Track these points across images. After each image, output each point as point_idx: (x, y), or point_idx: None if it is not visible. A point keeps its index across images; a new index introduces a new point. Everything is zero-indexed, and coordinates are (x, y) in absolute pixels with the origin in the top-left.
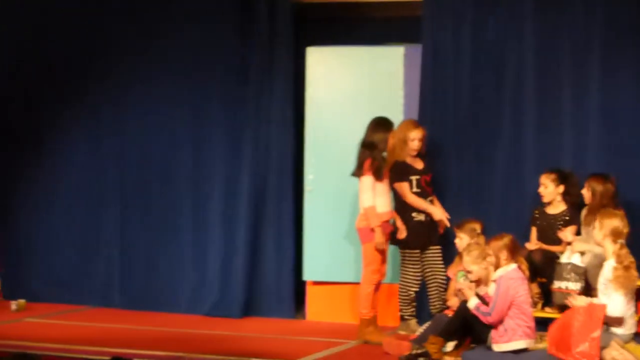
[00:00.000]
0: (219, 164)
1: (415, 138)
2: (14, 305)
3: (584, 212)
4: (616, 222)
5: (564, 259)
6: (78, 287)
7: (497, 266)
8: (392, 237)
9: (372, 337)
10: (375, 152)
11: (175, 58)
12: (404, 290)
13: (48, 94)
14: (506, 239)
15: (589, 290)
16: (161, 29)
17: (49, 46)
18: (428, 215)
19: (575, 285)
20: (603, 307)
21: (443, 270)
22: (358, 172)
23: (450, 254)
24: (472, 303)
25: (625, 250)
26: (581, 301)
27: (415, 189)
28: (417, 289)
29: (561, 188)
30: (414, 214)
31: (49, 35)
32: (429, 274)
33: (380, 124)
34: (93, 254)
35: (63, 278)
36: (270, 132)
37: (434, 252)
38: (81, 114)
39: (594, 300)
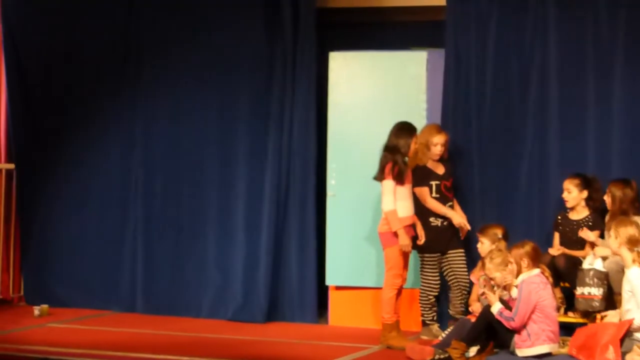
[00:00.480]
0: (242, 169)
1: (438, 143)
2: (36, 310)
3: (607, 217)
4: (631, 230)
5: (586, 264)
6: (101, 292)
7: (518, 273)
8: (412, 242)
9: (395, 342)
10: (397, 156)
11: (200, 63)
12: (424, 295)
13: (77, 97)
14: (527, 247)
15: (611, 295)
16: (187, 33)
17: (77, 50)
18: (447, 219)
19: (598, 291)
20: (631, 321)
21: (465, 273)
22: (380, 176)
23: (473, 259)
24: (496, 308)
25: None
26: (613, 317)
27: (435, 194)
28: (437, 294)
29: (585, 193)
30: (431, 219)
31: (79, 39)
32: (452, 277)
33: (403, 129)
34: (117, 259)
35: (86, 283)
36: (293, 137)
37: (455, 256)
38: (110, 119)
39: (623, 313)
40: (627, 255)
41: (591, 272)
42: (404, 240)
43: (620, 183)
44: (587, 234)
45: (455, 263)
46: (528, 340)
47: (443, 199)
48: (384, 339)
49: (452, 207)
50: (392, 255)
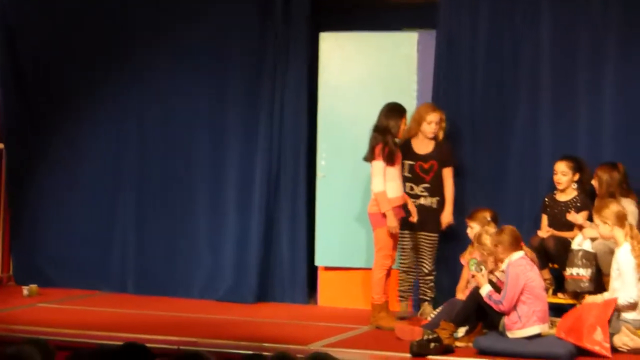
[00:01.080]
0: (234, 150)
1: (432, 121)
2: (25, 290)
3: (595, 201)
4: (614, 207)
5: (574, 245)
6: (91, 272)
7: (499, 261)
8: (403, 223)
9: (384, 322)
10: (387, 137)
11: (192, 46)
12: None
13: (68, 80)
14: (503, 234)
15: (600, 275)
16: (180, 15)
17: (69, 33)
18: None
19: (586, 272)
20: (615, 300)
21: (429, 259)
22: (369, 157)
23: (462, 243)
24: (485, 291)
25: (635, 231)
26: (597, 298)
27: (406, 173)
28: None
29: (577, 176)
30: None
31: (70, 22)
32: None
33: (394, 110)
34: (107, 239)
35: (76, 263)
36: (284, 118)
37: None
38: (101, 100)
39: (606, 295)
40: (620, 233)
41: (580, 253)
42: (392, 222)
43: (608, 166)
44: (574, 217)
45: (422, 248)
46: (519, 322)
47: (415, 180)
48: (374, 320)
49: (428, 189)
50: (381, 236)
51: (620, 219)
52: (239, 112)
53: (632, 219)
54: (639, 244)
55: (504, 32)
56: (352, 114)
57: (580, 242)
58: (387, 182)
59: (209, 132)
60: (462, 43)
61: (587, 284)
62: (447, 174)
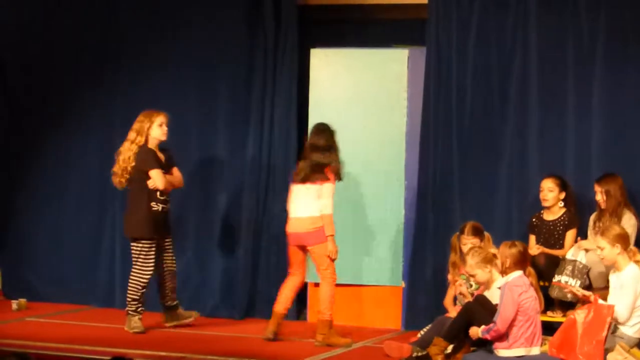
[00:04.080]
0: (222, 166)
1: (163, 123)
2: (14, 304)
3: (592, 217)
4: (617, 229)
5: (569, 255)
6: (80, 287)
7: (503, 272)
8: None
9: (334, 339)
10: (333, 156)
11: (181, 59)
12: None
13: (55, 90)
14: (515, 249)
15: (589, 289)
16: (168, 29)
17: (57, 41)
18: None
19: (575, 283)
20: (611, 307)
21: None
22: (317, 177)
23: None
24: (479, 331)
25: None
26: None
27: None
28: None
29: (563, 194)
30: (152, 204)
31: (60, 28)
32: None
33: (328, 129)
34: (95, 253)
35: (65, 278)
36: (274, 134)
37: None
38: (88, 109)
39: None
40: (623, 258)
41: (573, 263)
42: (333, 247)
43: (609, 178)
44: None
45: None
46: (506, 342)
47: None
48: (325, 337)
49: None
50: (323, 252)
51: (625, 240)
52: (227, 127)
53: (633, 232)
54: None
55: (493, 48)
56: (342, 130)
57: (574, 253)
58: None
59: (197, 145)
60: (451, 59)
61: (572, 296)
62: None
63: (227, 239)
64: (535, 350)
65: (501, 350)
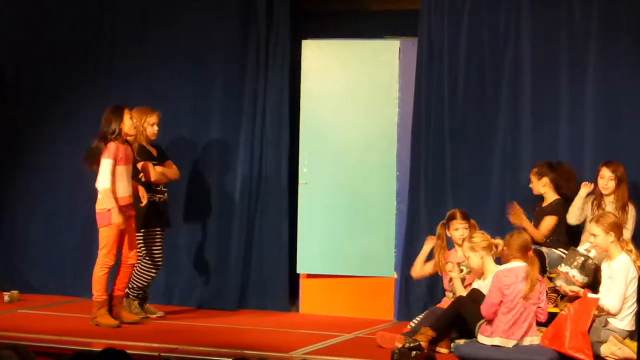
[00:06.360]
0: (214, 157)
1: (155, 122)
2: (6, 296)
3: (593, 201)
4: (611, 217)
5: (581, 249)
6: (72, 278)
7: (505, 260)
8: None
9: (104, 320)
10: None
11: (173, 51)
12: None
13: (50, 86)
14: (519, 239)
15: (596, 285)
16: (160, 22)
17: (50, 40)
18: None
19: (581, 278)
20: (596, 300)
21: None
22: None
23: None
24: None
25: (631, 246)
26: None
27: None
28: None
29: (544, 180)
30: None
31: (53, 27)
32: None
33: (116, 110)
34: (88, 245)
35: (57, 269)
36: (266, 125)
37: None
38: (84, 105)
39: (589, 294)
40: (616, 247)
41: (583, 257)
42: (117, 219)
43: (618, 163)
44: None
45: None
46: (489, 329)
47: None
48: (93, 317)
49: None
50: (107, 233)
51: (619, 228)
52: (220, 120)
53: (633, 222)
54: (638, 258)
55: (485, 39)
56: (334, 122)
57: (588, 248)
58: (117, 181)
59: (190, 138)
60: (443, 50)
61: (575, 288)
62: None
63: (220, 230)
64: (510, 344)
65: (484, 338)
